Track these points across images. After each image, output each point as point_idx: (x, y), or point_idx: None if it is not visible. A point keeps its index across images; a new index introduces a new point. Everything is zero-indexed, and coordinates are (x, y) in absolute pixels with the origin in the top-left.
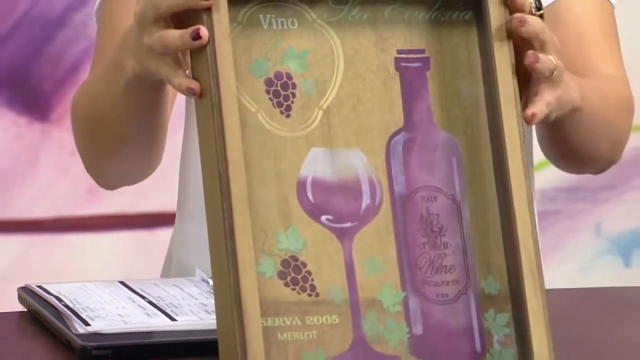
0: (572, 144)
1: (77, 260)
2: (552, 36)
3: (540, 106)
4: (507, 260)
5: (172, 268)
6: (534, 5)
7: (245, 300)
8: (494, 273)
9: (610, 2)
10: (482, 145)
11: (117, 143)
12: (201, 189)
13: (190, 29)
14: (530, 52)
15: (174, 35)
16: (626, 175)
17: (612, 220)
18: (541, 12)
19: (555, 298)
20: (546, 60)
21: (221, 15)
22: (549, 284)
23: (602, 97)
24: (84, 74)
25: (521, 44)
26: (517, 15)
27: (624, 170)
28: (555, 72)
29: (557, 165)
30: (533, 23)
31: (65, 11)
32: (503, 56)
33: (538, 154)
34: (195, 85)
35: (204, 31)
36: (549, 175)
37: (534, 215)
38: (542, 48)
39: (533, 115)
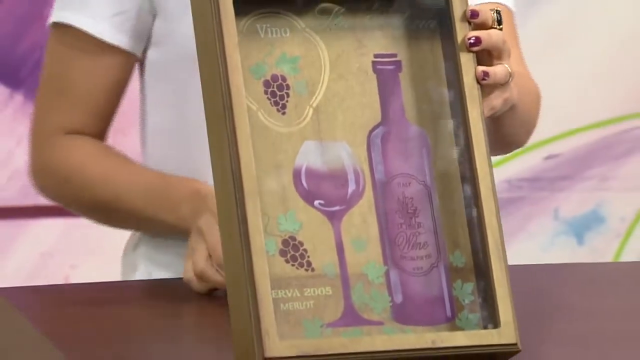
0: (502, 133)
1: (111, 240)
2: (508, 46)
3: (484, 110)
4: (471, 237)
5: None
6: (495, 19)
7: (257, 278)
8: (460, 248)
9: (511, 10)
10: (447, 137)
11: (131, 226)
12: None
13: None
14: (479, 68)
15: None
16: (579, 167)
17: (567, 206)
18: (501, 27)
19: (519, 272)
20: (504, 70)
21: (230, 26)
22: (513, 261)
23: (523, 92)
24: None
25: (481, 51)
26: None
27: (578, 163)
28: (510, 78)
29: None
30: (494, 36)
31: None
32: (468, 63)
33: None
34: None
35: None
36: (514, 168)
37: (497, 199)
38: (500, 57)
39: None
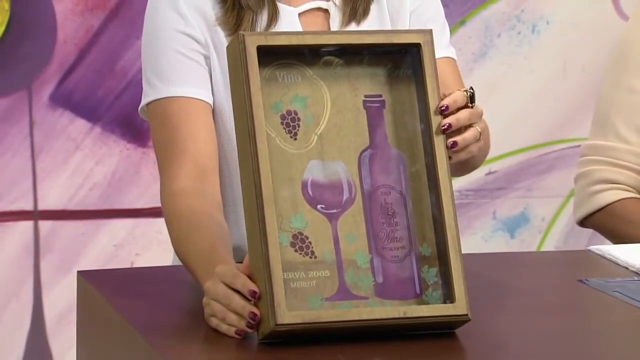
0: (467, 162)
1: (165, 236)
2: (476, 114)
3: (464, 155)
4: (435, 233)
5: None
6: (468, 96)
7: (272, 263)
8: (427, 241)
9: (454, 58)
10: (418, 157)
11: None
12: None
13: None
14: (449, 141)
15: (233, 318)
16: (512, 181)
17: (502, 209)
18: (473, 104)
19: (467, 259)
20: (473, 132)
21: (254, 74)
22: (462, 251)
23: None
24: None
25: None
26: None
27: (511, 177)
28: (480, 136)
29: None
30: (460, 116)
31: None
32: (434, 104)
33: None
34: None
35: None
36: (463, 181)
37: (455, 205)
38: (467, 127)
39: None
